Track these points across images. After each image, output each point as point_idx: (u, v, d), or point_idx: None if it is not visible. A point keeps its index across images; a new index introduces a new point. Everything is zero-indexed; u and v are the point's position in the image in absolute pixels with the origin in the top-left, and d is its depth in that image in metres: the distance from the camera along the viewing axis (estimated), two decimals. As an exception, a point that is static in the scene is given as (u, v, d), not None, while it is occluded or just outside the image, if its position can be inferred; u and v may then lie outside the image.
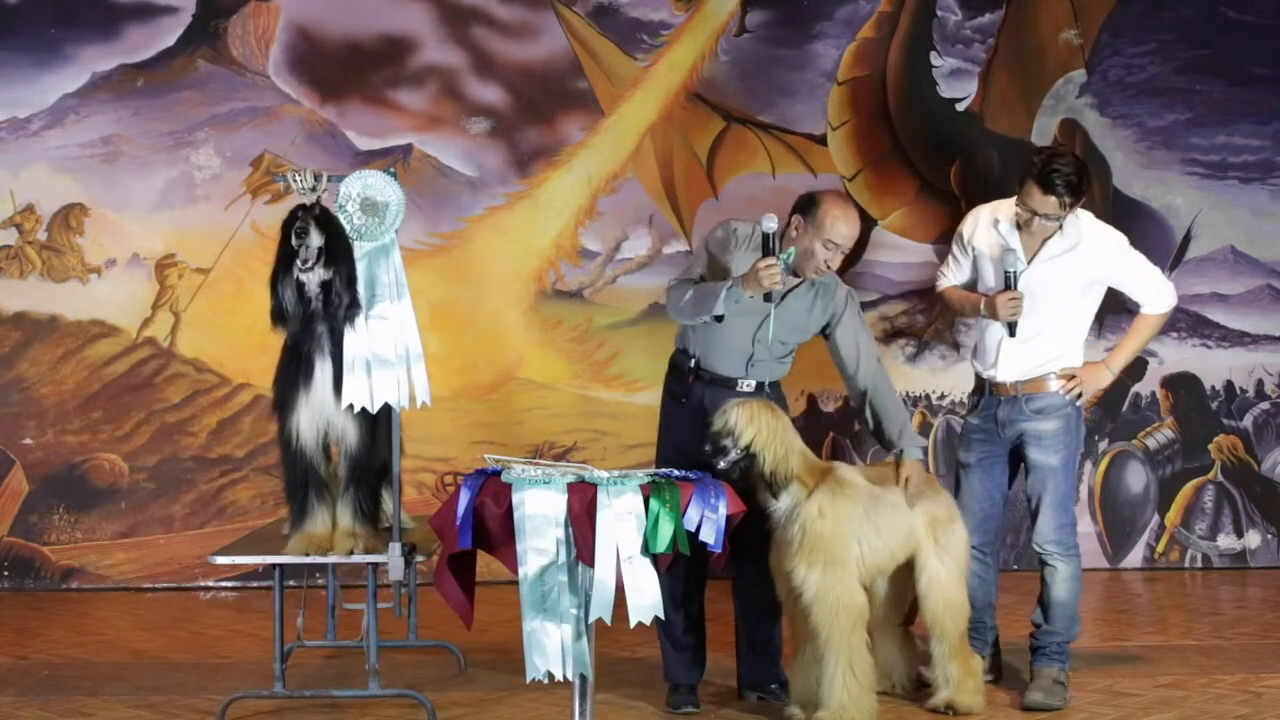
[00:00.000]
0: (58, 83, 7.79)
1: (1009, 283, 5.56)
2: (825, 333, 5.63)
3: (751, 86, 8.05)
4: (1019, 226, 5.61)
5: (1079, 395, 5.69)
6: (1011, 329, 5.58)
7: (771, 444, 5.13)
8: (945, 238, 8.04)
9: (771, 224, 5.30)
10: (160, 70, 7.84)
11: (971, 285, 5.84)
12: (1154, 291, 5.76)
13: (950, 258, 5.91)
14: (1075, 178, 5.45)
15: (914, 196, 8.14)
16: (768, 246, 5.28)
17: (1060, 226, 5.57)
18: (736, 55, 8.03)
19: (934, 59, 8.12)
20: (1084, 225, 5.65)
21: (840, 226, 5.39)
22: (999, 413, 5.71)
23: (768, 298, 5.32)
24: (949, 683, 5.49)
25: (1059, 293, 5.61)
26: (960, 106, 8.14)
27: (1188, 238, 8.16)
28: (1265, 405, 8.28)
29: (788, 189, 7.98)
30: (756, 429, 5.12)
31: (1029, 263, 5.61)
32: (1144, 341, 5.88)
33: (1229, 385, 8.26)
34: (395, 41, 7.93)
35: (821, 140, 8.08)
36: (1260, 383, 8.27)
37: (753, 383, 5.54)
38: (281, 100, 7.88)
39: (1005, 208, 5.69)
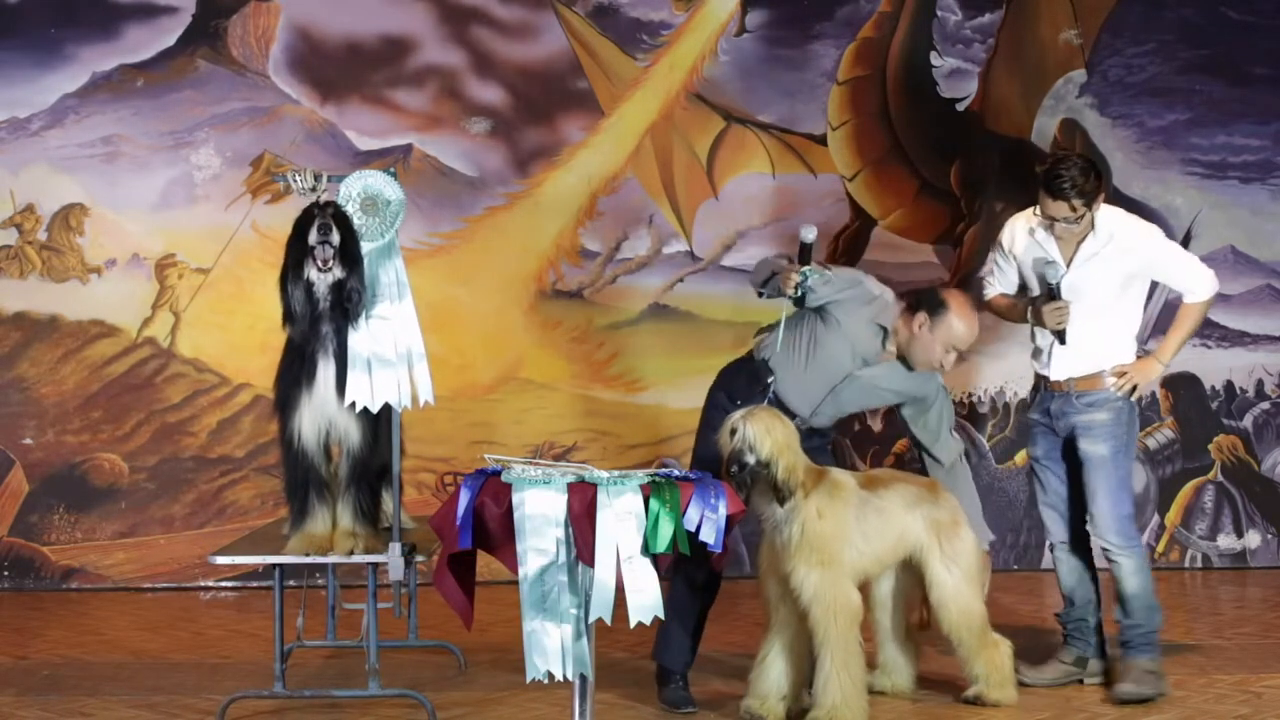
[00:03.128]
0: (58, 83, 7.79)
1: (1053, 293, 5.63)
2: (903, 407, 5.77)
3: (751, 86, 8.04)
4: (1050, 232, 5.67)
5: (1133, 390, 5.73)
6: (1061, 336, 5.65)
7: (784, 453, 5.15)
8: (945, 238, 8.05)
9: (810, 234, 5.46)
10: (160, 70, 7.84)
11: (1020, 291, 5.90)
12: (1193, 279, 5.78)
13: (994, 267, 5.96)
14: (1082, 179, 5.51)
15: (914, 196, 8.13)
16: (803, 255, 5.42)
17: (1093, 227, 5.62)
18: (736, 55, 8.03)
19: (934, 59, 8.11)
20: (1116, 221, 5.70)
21: (966, 333, 5.57)
22: (1051, 406, 5.78)
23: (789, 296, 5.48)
24: (977, 679, 5.54)
25: (1101, 291, 5.66)
26: (960, 106, 8.13)
27: (1188, 238, 8.15)
28: (1265, 405, 8.27)
29: (788, 189, 8.01)
30: (773, 439, 5.14)
31: (1068, 266, 5.66)
32: (1190, 331, 5.87)
33: (1229, 385, 8.26)
34: (395, 41, 7.93)
35: (821, 140, 8.07)
36: (1260, 383, 8.27)
37: (807, 426, 5.56)
38: (281, 100, 7.88)
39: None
